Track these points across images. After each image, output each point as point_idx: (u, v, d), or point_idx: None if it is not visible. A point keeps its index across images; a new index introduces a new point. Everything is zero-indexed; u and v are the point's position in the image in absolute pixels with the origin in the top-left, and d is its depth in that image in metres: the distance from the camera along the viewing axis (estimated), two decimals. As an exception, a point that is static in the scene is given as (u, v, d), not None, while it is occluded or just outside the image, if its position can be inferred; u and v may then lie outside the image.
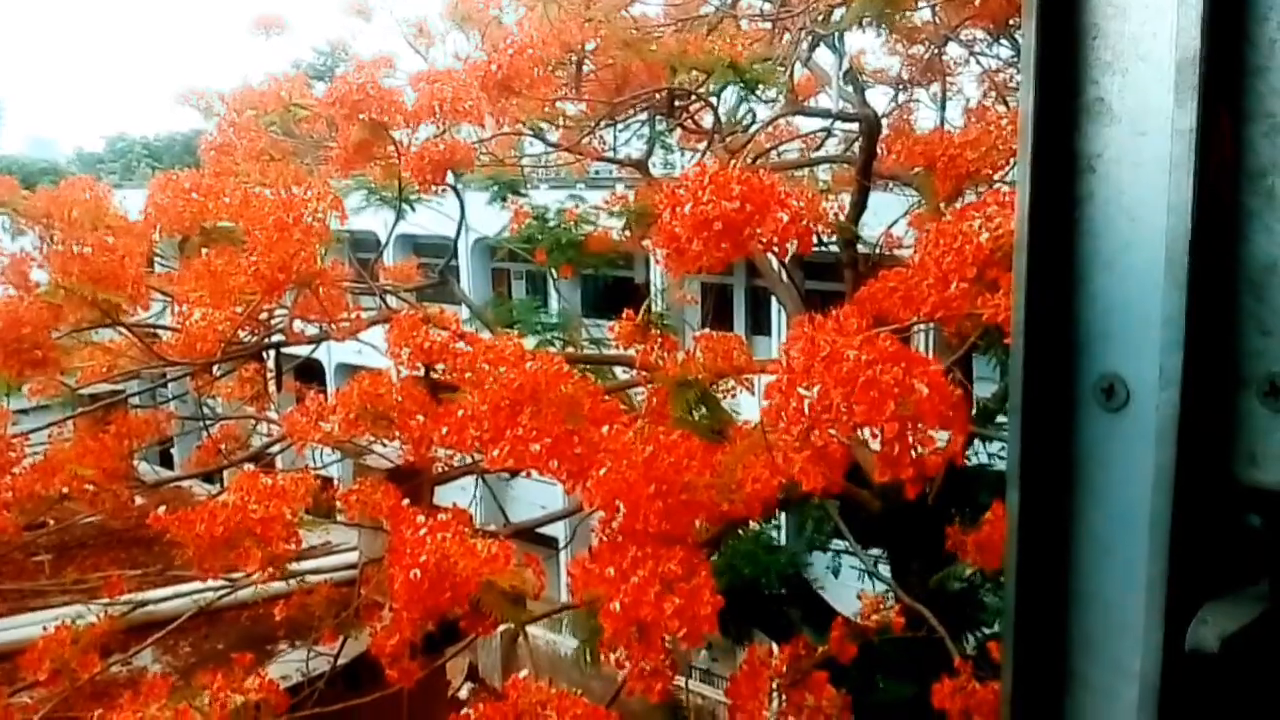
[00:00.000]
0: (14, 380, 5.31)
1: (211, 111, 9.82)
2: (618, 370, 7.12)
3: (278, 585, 4.99)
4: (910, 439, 2.83)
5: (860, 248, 7.97)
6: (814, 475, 2.95)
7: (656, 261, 10.87)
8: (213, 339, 5.23)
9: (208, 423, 8.12)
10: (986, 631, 7.89)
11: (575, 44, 6.72)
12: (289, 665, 5.65)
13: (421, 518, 3.83)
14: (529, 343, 9.53)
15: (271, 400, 8.19)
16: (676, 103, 8.03)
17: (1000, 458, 8.05)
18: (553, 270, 10.44)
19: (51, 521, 6.10)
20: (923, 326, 4.49)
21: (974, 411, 6.83)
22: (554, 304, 16.80)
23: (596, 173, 15.23)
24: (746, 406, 5.00)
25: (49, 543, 6.81)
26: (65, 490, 5.03)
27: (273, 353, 7.46)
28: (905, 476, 2.85)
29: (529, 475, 4.15)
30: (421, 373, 4.96)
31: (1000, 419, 7.98)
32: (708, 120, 8.37)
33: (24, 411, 6.55)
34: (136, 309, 5.54)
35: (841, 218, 7.74)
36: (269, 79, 8.41)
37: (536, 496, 13.24)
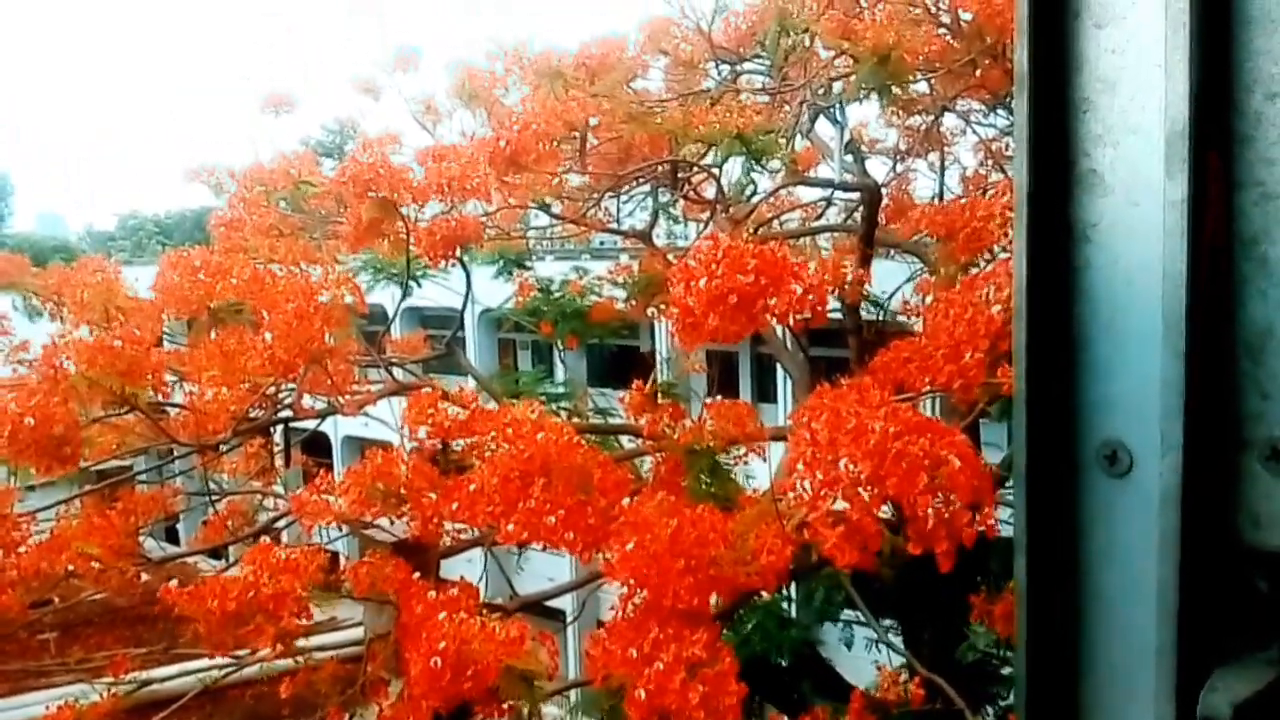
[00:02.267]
0: (40, 474, 5.30)
1: (222, 188, 9.98)
2: (623, 439, 7.11)
3: (283, 662, 4.93)
4: (943, 511, 2.83)
5: (864, 314, 8.01)
6: (848, 551, 2.92)
7: (670, 333, 10.91)
8: (224, 418, 5.24)
9: (214, 499, 8.09)
10: (1004, 703, 7.75)
11: (579, 119, 6.84)
12: (294, 745, 5.56)
13: (432, 593, 3.80)
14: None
15: (278, 474, 8.18)
16: (679, 174, 8.14)
17: (1009, 524, 7.98)
18: (558, 341, 10.50)
19: (57, 599, 6.05)
20: (930, 394, 4.49)
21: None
22: (559, 374, 16.83)
23: (601, 244, 15.37)
24: (759, 473, 4.98)
25: (54, 621, 6.75)
26: (71, 568, 5.00)
27: (280, 427, 7.48)
28: (940, 549, 2.83)
29: (543, 548, 4.12)
30: (439, 448, 4.96)
31: (1008, 485, 7.92)
32: (710, 191, 8.49)
33: (31, 488, 6.54)
34: (157, 395, 5.55)
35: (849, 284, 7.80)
36: (279, 156, 8.56)
37: (543, 568, 13.12)
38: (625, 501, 3.82)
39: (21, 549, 4.96)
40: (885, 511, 3.05)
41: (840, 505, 2.88)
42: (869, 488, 2.78)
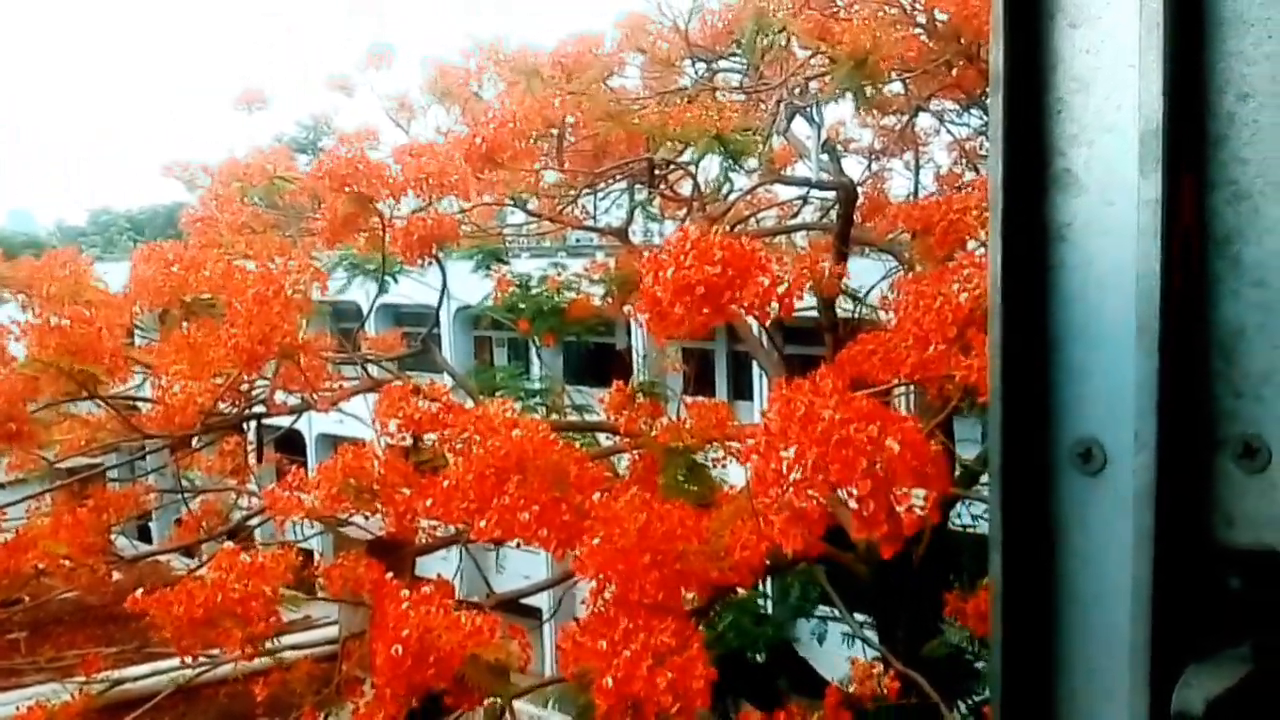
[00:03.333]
0: (-10, 454, 5.25)
1: (195, 184, 9.89)
2: (601, 437, 7.10)
3: (257, 661, 4.89)
4: (886, 498, 2.83)
5: (839, 312, 8.04)
6: (793, 536, 2.94)
7: (639, 325, 10.93)
8: (192, 411, 5.20)
9: (187, 496, 8.02)
10: (978, 698, 7.80)
11: (556, 117, 6.83)
12: (268, 745, 5.52)
13: (405, 591, 3.78)
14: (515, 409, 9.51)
15: (252, 472, 8.11)
16: (656, 172, 8.14)
17: (984, 520, 8.04)
18: (535, 338, 10.47)
19: (27, 598, 5.98)
20: (904, 390, 4.52)
21: (957, 474, 6.83)
22: (536, 371, 16.80)
23: (577, 241, 15.36)
24: (735, 474, 4.99)
25: (24, 620, 6.68)
26: (41, 566, 4.95)
27: (253, 424, 7.41)
28: (880, 535, 2.85)
29: (518, 546, 4.12)
30: (409, 443, 4.94)
31: (983, 481, 7.98)
32: (686, 188, 8.49)
33: (1, 486, 6.47)
34: (115, 381, 5.50)
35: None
36: (253, 152, 8.49)
37: (520, 566, 13.09)
38: (596, 497, 3.82)
39: (-11, 547, 4.90)
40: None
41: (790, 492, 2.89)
42: (813, 475, 2.79)
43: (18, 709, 4.74)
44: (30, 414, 5.18)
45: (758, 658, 9.38)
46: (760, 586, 11.23)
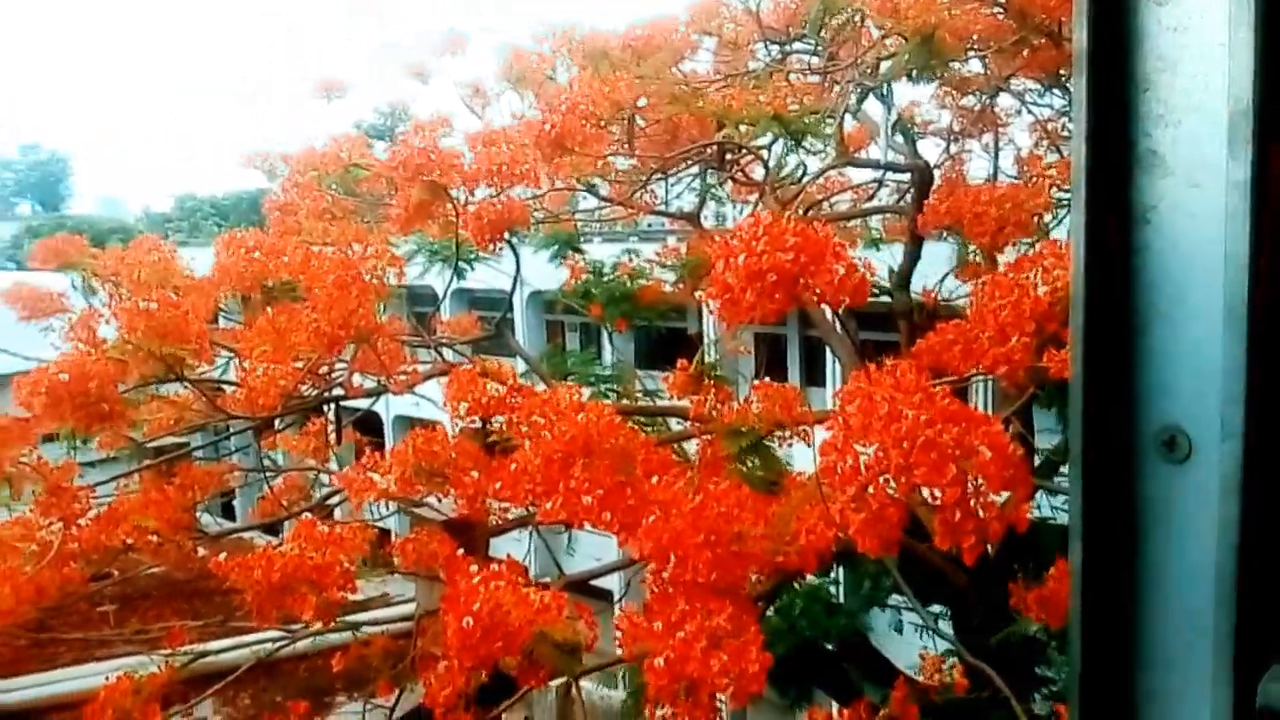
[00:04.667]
0: (81, 433, 5.44)
1: (275, 172, 10.12)
2: (672, 422, 7.12)
3: (335, 637, 5.03)
4: (972, 503, 2.78)
5: (914, 297, 7.92)
6: (870, 538, 2.90)
7: (710, 312, 10.89)
8: (274, 393, 5.33)
9: (269, 475, 8.25)
10: (1052, 689, 7.67)
11: (626, 101, 6.82)
12: (346, 717, 5.68)
13: (475, 568, 3.84)
14: (584, 395, 9.58)
15: (332, 452, 8.30)
16: (727, 156, 8.10)
17: (1063, 511, 7.87)
18: (607, 323, 10.52)
19: (116, 572, 6.21)
20: (981, 377, 4.44)
21: (1036, 464, 6.70)
22: (608, 356, 16.88)
23: (649, 226, 15.36)
24: (801, 457, 4.96)
25: (114, 593, 6.93)
26: (129, 541, 5.12)
27: (333, 406, 7.59)
28: (965, 544, 2.80)
29: (581, 527, 4.15)
30: (478, 426, 5.00)
31: (1063, 471, 7.81)
32: (759, 173, 8.43)
33: (92, 464, 6.71)
34: (201, 363, 5.66)
35: (895, 267, 7.72)
36: (330, 140, 8.65)
37: (592, 549, 13.20)
38: (655, 480, 3.83)
39: (82, 522, 5.08)
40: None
41: (869, 491, 2.85)
42: (896, 476, 2.74)
43: (106, 679, 4.92)
44: (120, 395, 5.36)
45: (829, 646, 9.33)
46: (832, 576, 11.17)
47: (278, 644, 5.35)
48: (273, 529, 8.43)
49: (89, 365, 4.86)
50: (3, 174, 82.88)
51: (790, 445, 5.30)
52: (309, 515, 6.37)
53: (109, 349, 5.26)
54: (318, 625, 4.47)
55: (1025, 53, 7.19)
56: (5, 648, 6.21)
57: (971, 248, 7.21)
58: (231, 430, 7.28)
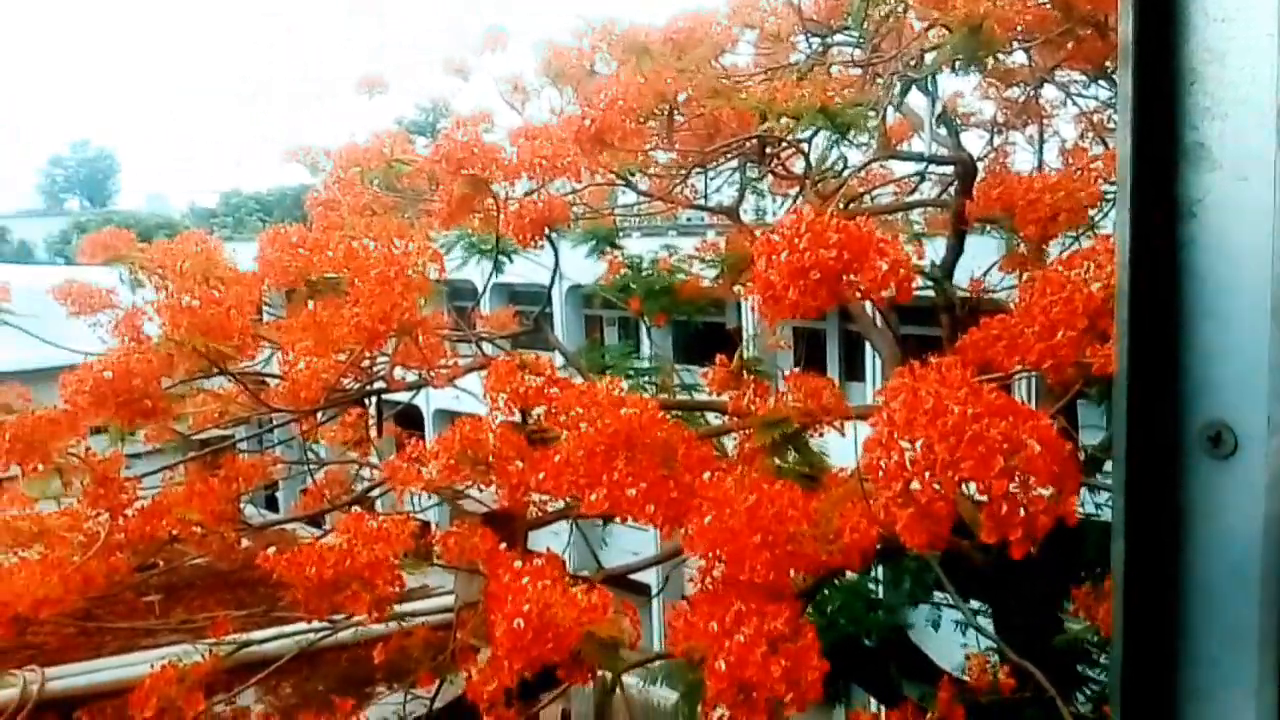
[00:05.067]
0: (126, 430, 5.52)
1: (318, 168, 10.23)
2: (710, 416, 7.10)
3: (377, 627, 5.08)
4: (1019, 497, 2.76)
5: (961, 290, 7.85)
6: (918, 534, 2.88)
7: (751, 309, 10.84)
8: (317, 387, 5.38)
9: (311, 467, 8.35)
10: (1097, 689, 7.57)
11: (667, 95, 6.81)
12: (387, 708, 5.74)
13: (518, 563, 3.87)
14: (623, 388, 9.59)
15: (373, 445, 8.38)
16: (767, 149, 8.06)
17: (1107, 507, 7.76)
18: (646, 317, 10.53)
19: (161, 563, 6.31)
20: (1025, 374, 4.39)
21: (1081, 460, 6.61)
22: (646, 350, 16.88)
23: (688, 220, 15.34)
24: (836, 449, 4.94)
25: (159, 583, 7.05)
26: (174, 532, 5.20)
27: (374, 399, 7.66)
28: (1013, 537, 2.77)
29: (625, 521, 4.16)
30: (517, 418, 5.03)
31: (1107, 468, 7.70)
32: (799, 166, 8.39)
33: (138, 456, 6.81)
34: (243, 358, 5.73)
35: (938, 261, 7.65)
36: (372, 136, 8.72)
37: (628, 542, 13.23)
38: (706, 476, 3.82)
39: (128, 513, 5.17)
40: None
41: (915, 487, 2.83)
42: (942, 472, 2.72)
43: (151, 667, 5.00)
44: (163, 391, 5.44)
45: (868, 643, 9.28)
46: (872, 571, 11.11)
47: (320, 635, 5.42)
48: (315, 521, 8.54)
49: (133, 362, 4.93)
50: (53, 171, 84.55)
51: (821, 435, 5.26)
52: (354, 509, 6.44)
53: (154, 345, 5.33)
54: (361, 616, 4.52)
55: (1071, 44, 7.09)
56: (53, 636, 6.33)
57: (1016, 240, 7.12)
58: (274, 423, 7.38)
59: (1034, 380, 6.13)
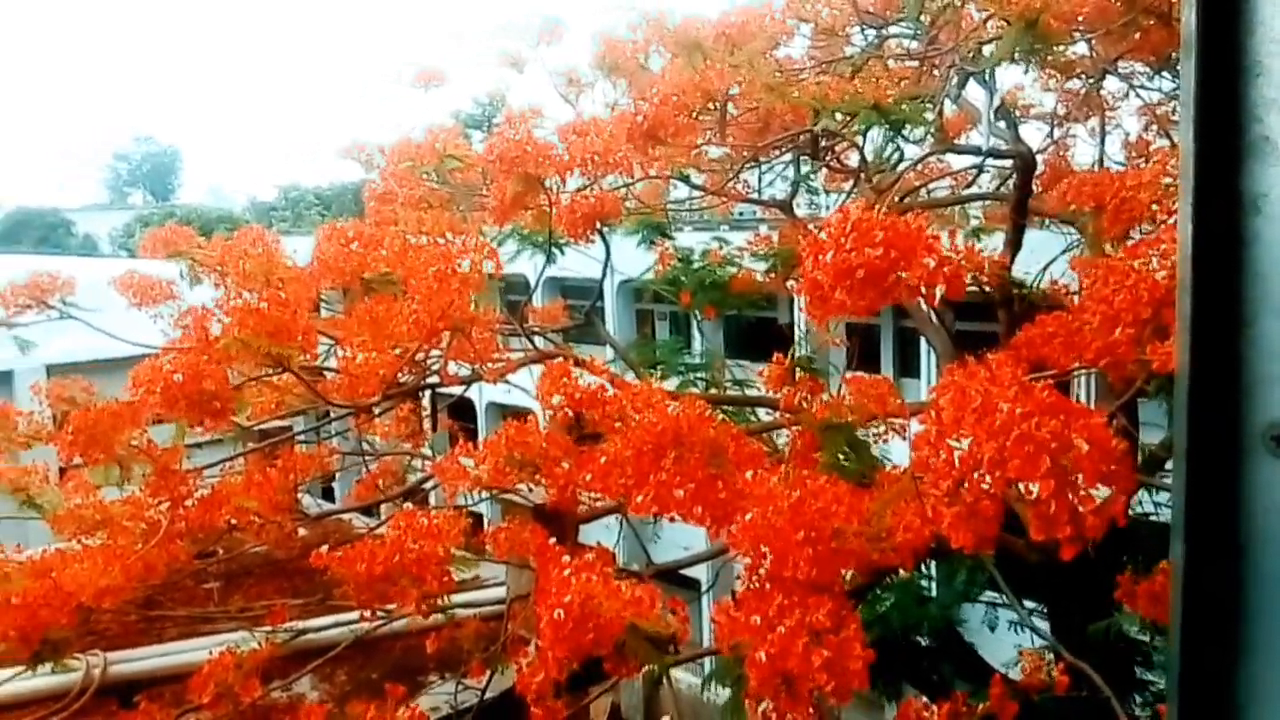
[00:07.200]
0: (192, 426, 5.64)
1: (372, 163, 10.36)
2: (760, 412, 7.08)
3: (430, 618, 5.14)
4: (1069, 497, 2.71)
5: (1028, 282, 7.72)
6: (964, 532, 2.84)
7: (801, 308, 10.76)
8: (374, 381, 5.45)
9: (367, 459, 8.47)
10: (1155, 690, 7.42)
11: (719, 89, 6.79)
12: (438, 697, 5.81)
13: (567, 557, 3.88)
14: (672, 384, 9.59)
15: (426, 437, 8.48)
16: (821, 143, 8.00)
17: (1168, 508, 7.58)
18: (696, 312, 10.51)
19: (220, 551, 6.44)
20: (1084, 372, 4.31)
21: (1140, 460, 6.48)
22: (697, 345, 16.86)
23: (740, 214, 15.27)
24: (894, 447, 4.90)
25: (218, 571, 7.19)
26: (233, 521, 5.31)
27: (428, 393, 7.75)
28: (1062, 536, 2.73)
29: (672, 520, 4.16)
30: (573, 417, 5.04)
31: (1168, 468, 7.54)
32: (854, 159, 8.32)
33: (197, 445, 6.95)
34: (304, 356, 5.81)
35: (995, 256, 7.53)
36: (426, 131, 8.81)
37: (679, 537, 13.22)
38: (749, 475, 3.80)
39: (189, 502, 5.28)
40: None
41: (963, 486, 2.79)
42: (990, 470, 2.68)
43: (210, 653, 5.12)
44: (231, 392, 5.53)
45: (920, 640, 9.18)
46: (924, 569, 10.99)
47: (375, 624, 5.50)
48: (369, 510, 8.67)
49: (202, 365, 5.02)
50: (118, 165, 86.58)
51: (887, 441, 5.21)
52: (408, 504, 6.52)
53: (221, 346, 5.42)
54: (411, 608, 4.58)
55: (1134, 34, 6.95)
56: (116, 623, 6.49)
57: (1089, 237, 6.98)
58: (332, 415, 7.49)
59: (1094, 377, 6.02)
